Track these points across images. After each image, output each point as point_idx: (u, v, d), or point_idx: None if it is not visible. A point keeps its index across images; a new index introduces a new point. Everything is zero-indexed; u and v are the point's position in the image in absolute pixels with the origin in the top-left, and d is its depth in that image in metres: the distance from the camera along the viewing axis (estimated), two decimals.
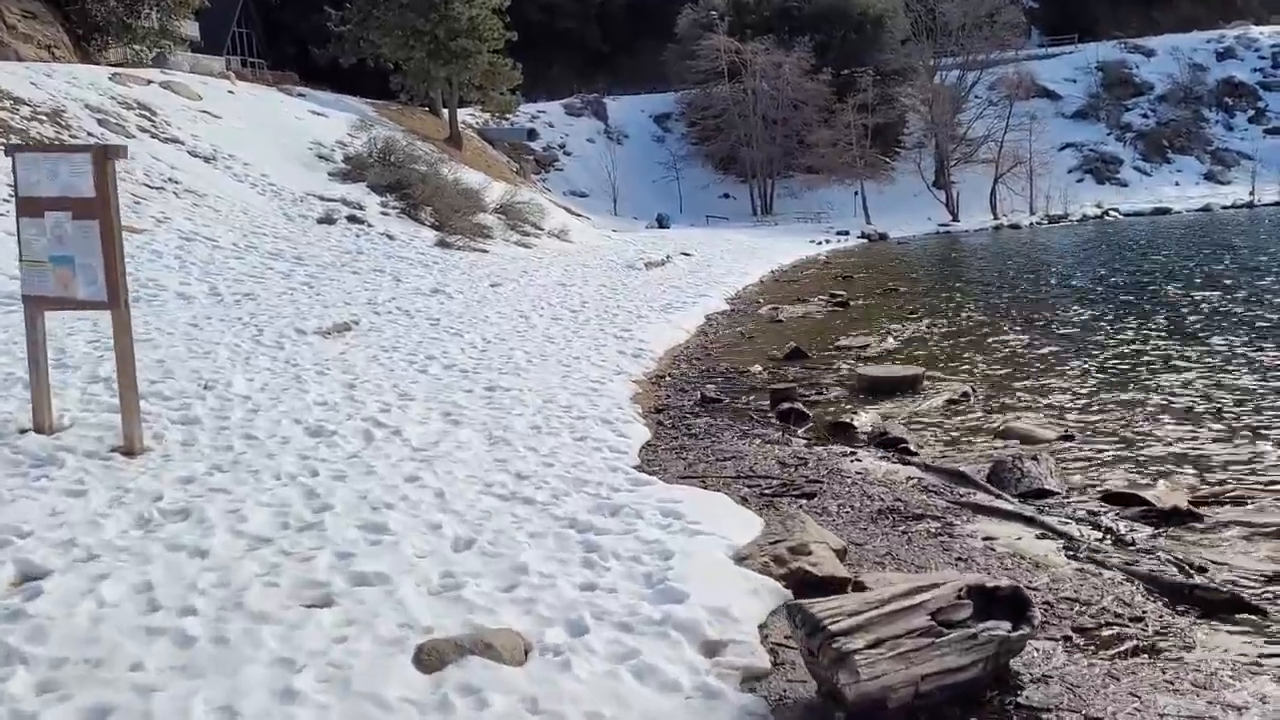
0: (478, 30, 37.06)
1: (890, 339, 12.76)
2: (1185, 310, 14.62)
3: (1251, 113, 58.47)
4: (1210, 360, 10.48)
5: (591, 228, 37.01)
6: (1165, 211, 48.43)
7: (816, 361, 11.15)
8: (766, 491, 5.76)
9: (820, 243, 38.72)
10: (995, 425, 7.90)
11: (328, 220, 20.34)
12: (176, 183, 18.76)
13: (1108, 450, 7.10)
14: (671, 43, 57.24)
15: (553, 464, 6.08)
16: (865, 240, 41.94)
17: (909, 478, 6.15)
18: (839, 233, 43.19)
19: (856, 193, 51.31)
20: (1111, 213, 49.08)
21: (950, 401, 8.66)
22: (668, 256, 25.38)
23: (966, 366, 10.96)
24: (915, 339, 13.11)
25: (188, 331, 9.96)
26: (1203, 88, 59.99)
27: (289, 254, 16.62)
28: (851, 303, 17.01)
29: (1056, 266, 24.94)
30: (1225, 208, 48.62)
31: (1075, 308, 15.76)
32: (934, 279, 23.42)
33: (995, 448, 7.15)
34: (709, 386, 9.50)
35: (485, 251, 22.62)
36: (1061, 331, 13.33)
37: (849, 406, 8.57)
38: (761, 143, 53.36)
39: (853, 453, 6.76)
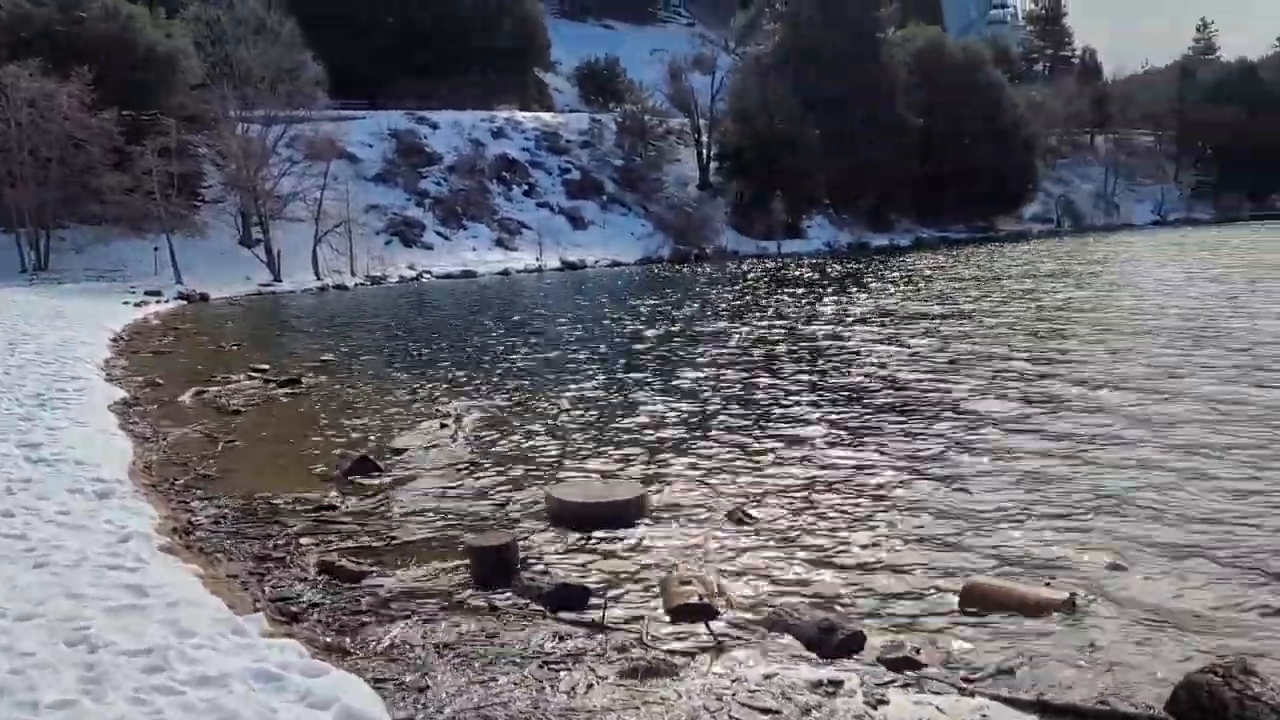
0: None
1: (440, 429, 9.69)
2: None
3: (525, 187, 65.38)
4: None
5: None
6: (472, 274, 51.47)
7: (398, 476, 7.91)
8: None
9: (136, 304, 32.93)
10: (885, 575, 5.35)
11: None
12: None
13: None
14: None
15: None
16: (185, 301, 36.79)
17: None
18: (149, 293, 37.26)
19: (157, 248, 45.25)
20: (425, 275, 50.58)
21: (735, 533, 6.07)
22: None
23: (625, 464, 8.31)
24: (485, 429, 9.80)
25: None
26: (484, 162, 65.54)
27: None
28: (303, 379, 13.51)
29: (451, 322, 23.95)
30: (520, 271, 53.40)
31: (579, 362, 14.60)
32: (337, 340, 20.50)
33: (976, 619, 4.82)
34: (296, 542, 6.02)
35: None
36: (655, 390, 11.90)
37: (585, 554, 5.89)
38: (32, 185, 44.07)
39: (881, 693, 3.99)
